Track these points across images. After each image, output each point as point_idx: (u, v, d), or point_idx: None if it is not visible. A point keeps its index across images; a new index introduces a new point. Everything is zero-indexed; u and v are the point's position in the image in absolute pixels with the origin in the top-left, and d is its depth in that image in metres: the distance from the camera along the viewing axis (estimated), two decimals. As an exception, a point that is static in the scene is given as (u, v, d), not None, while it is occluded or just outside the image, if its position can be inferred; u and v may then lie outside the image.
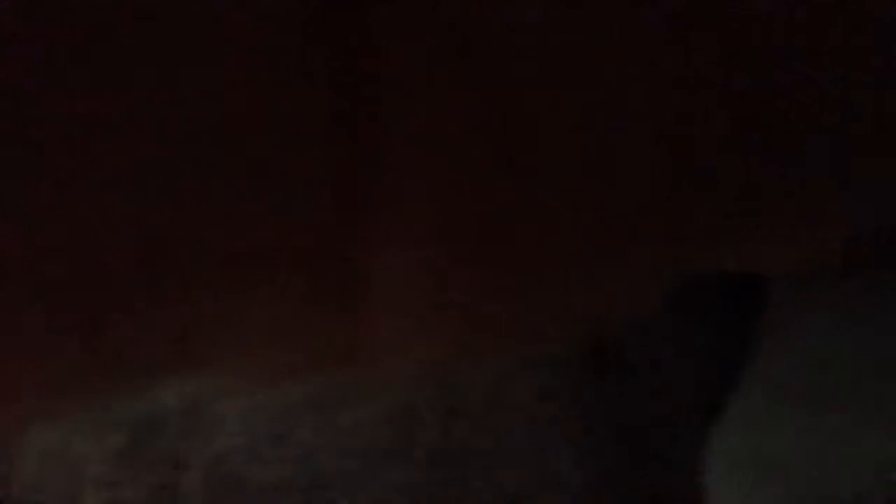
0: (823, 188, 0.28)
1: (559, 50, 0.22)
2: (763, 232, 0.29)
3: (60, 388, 0.22)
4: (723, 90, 0.25)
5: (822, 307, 0.34)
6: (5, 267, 0.18)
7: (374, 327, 0.24)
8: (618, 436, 0.39)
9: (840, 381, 0.33)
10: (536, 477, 0.39)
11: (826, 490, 0.32)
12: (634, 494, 0.39)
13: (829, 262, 0.32)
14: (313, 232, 0.22)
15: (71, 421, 0.36)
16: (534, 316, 0.27)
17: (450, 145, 0.23)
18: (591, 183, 0.24)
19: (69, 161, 0.18)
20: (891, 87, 0.26)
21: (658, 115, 0.24)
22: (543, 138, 0.24)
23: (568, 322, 0.31)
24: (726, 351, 0.36)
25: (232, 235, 0.21)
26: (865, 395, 0.32)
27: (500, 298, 0.25)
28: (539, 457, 0.39)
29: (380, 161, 0.23)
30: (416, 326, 0.24)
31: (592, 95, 0.24)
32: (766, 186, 0.26)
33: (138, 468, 0.39)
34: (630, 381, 0.39)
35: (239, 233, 0.21)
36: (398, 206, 0.23)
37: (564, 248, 0.26)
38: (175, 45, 0.19)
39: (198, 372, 0.31)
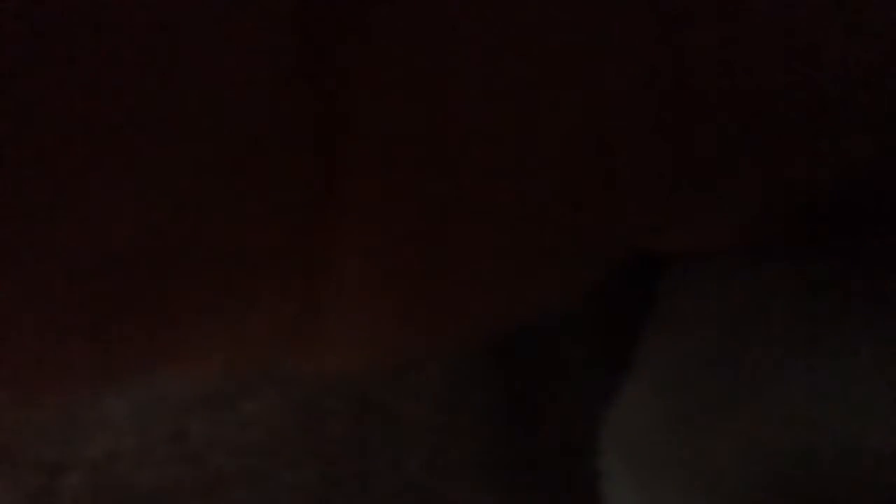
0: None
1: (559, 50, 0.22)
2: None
3: (57, 387, 0.20)
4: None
5: (733, 291, 0.34)
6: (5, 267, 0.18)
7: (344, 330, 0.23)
8: (527, 428, 0.38)
9: (744, 376, 0.32)
10: (445, 468, 0.38)
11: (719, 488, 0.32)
12: (541, 483, 0.38)
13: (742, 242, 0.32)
14: (307, 234, 0.21)
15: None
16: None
17: (449, 146, 0.22)
18: (590, 183, 0.23)
19: (68, 160, 0.17)
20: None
21: (657, 115, 0.23)
22: (541, 140, 0.23)
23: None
24: (630, 346, 0.36)
25: (230, 237, 0.20)
26: (768, 391, 0.31)
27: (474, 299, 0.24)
28: (447, 447, 0.38)
29: (375, 162, 0.21)
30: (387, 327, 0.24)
31: (591, 97, 0.23)
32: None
33: (7, 474, 0.35)
34: (538, 373, 0.38)
35: (238, 235, 0.20)
36: (386, 209, 0.22)
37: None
38: (174, 47, 0.18)
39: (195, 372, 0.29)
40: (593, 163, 0.23)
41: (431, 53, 0.20)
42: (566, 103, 0.22)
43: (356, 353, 0.24)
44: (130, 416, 0.35)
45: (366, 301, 0.22)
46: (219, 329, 0.20)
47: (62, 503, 0.35)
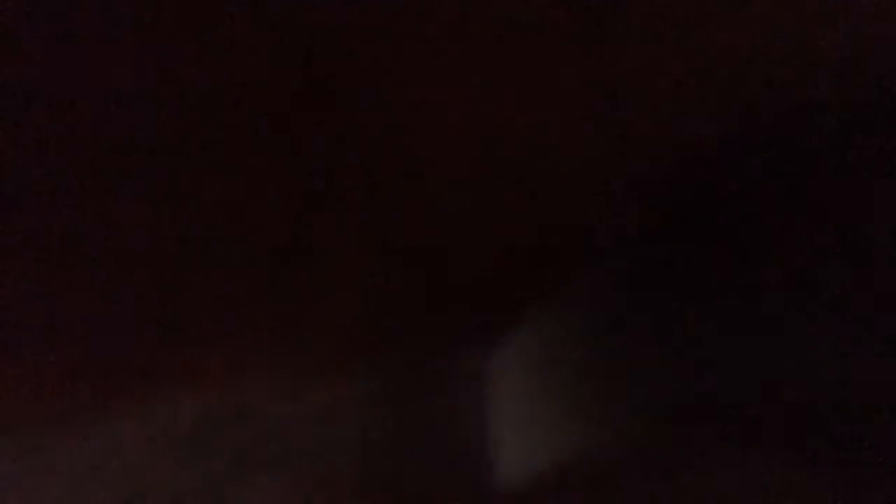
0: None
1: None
2: None
3: (60, 392, 0.21)
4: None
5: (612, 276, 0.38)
6: (6, 270, 0.18)
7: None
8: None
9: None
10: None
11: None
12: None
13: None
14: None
15: None
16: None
17: (447, 150, 0.24)
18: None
19: (74, 168, 0.18)
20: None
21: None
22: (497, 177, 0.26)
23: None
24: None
25: (230, 242, 0.21)
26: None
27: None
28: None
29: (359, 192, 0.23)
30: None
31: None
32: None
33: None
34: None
35: (238, 240, 0.21)
36: (363, 239, 0.24)
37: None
38: (182, 72, 0.19)
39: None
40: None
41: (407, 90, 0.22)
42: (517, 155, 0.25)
43: (332, 351, 0.25)
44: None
45: (342, 311, 0.24)
46: (217, 334, 0.21)
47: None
